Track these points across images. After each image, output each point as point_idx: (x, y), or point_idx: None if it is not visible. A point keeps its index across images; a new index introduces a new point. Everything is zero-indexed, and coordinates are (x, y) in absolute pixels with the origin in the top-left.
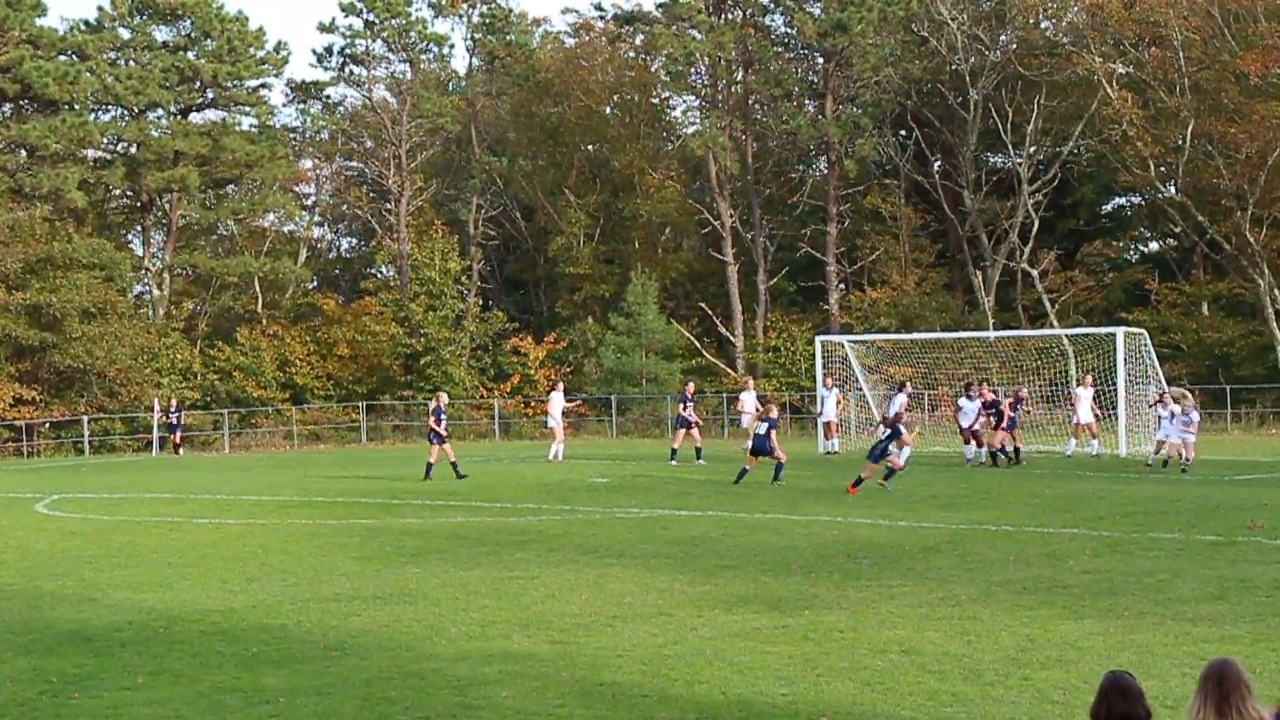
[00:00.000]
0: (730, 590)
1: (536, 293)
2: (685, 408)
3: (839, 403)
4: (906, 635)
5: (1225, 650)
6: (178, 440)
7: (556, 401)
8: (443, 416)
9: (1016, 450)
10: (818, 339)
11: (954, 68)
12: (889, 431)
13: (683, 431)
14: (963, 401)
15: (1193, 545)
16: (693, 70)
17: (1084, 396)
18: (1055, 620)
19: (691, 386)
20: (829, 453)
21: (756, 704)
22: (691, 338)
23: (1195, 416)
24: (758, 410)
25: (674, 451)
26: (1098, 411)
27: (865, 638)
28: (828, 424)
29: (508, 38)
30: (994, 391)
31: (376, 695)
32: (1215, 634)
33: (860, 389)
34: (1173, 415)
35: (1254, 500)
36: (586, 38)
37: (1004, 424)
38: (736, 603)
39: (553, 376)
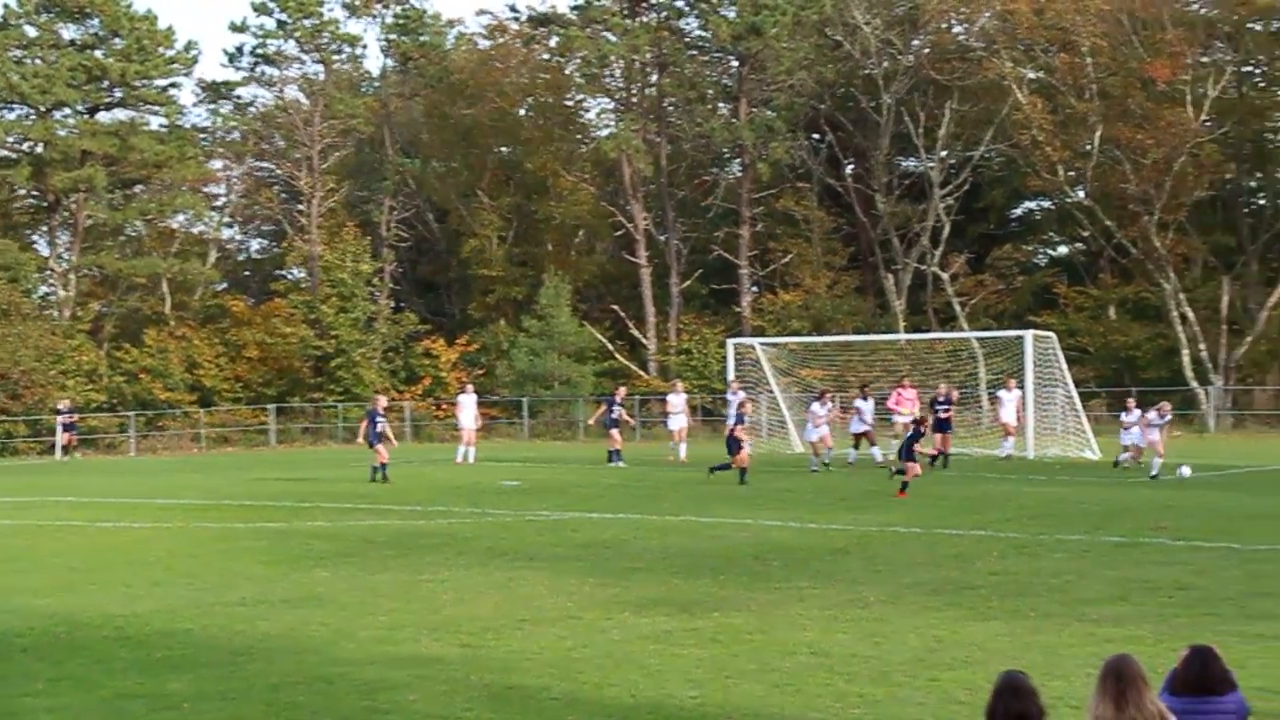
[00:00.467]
0: (640, 593)
1: (449, 295)
2: (611, 410)
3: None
4: (815, 637)
5: (1129, 650)
6: (68, 442)
7: (466, 404)
8: (378, 420)
9: (945, 456)
10: (730, 342)
11: (867, 72)
12: (910, 432)
13: (615, 431)
14: (859, 403)
15: (1098, 546)
16: (607, 73)
17: (1007, 400)
18: (962, 621)
19: (623, 391)
20: None
21: (666, 706)
22: (604, 340)
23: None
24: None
25: (614, 453)
26: (1022, 416)
27: (774, 640)
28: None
29: (421, 39)
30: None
31: (283, 700)
32: (1119, 634)
33: (772, 391)
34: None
35: (1159, 502)
36: (501, 39)
37: (936, 427)
38: (646, 605)
39: (463, 379)
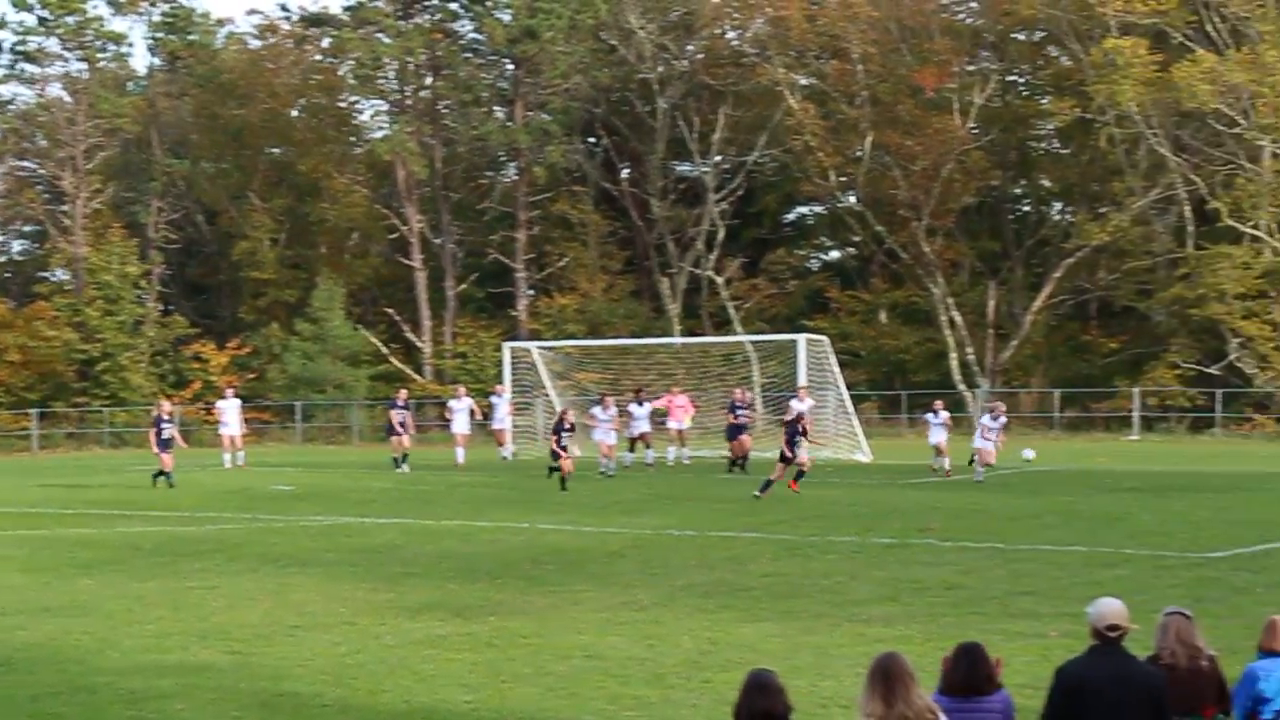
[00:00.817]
0: (414, 598)
1: (219, 298)
2: (397, 411)
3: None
4: (590, 640)
5: (897, 649)
6: None
7: (228, 409)
8: (164, 425)
9: (744, 460)
10: (506, 345)
11: (642, 76)
12: (790, 431)
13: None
14: (633, 408)
15: (869, 548)
16: (380, 75)
17: (797, 407)
18: (736, 623)
19: (404, 394)
20: (504, 459)
21: (440, 712)
22: (379, 344)
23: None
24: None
25: (398, 461)
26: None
27: (549, 643)
28: (499, 430)
29: (190, 38)
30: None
31: (44, 711)
32: (889, 634)
33: (548, 395)
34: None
35: (928, 503)
36: (272, 40)
37: (730, 434)
38: (420, 610)
39: (235, 383)
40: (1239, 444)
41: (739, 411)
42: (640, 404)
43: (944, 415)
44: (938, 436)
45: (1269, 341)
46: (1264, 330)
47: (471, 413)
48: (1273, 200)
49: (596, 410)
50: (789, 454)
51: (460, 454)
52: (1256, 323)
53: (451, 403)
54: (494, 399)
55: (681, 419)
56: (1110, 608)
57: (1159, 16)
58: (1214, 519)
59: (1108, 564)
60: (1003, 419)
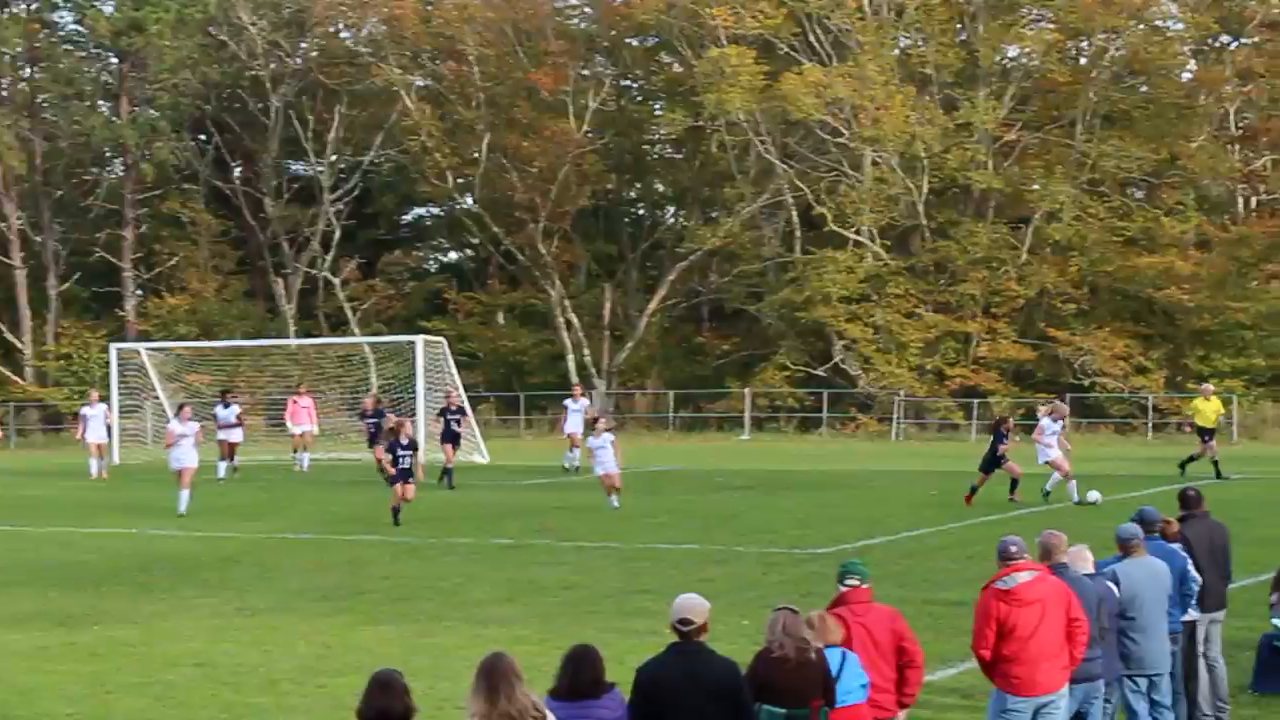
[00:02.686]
0: (13, 608)
1: None
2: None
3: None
4: (201, 648)
5: (514, 649)
6: None
7: None
8: None
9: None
10: (113, 346)
11: (254, 73)
12: (994, 435)
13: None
14: (219, 410)
15: (486, 549)
16: None
17: (573, 409)
18: (353, 627)
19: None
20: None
21: None
22: None
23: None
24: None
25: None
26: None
27: (158, 652)
28: (96, 444)
29: None
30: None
31: None
32: (506, 635)
33: (158, 397)
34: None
35: (545, 504)
36: None
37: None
38: (20, 621)
39: None
40: (844, 443)
41: (450, 417)
42: (227, 406)
43: (584, 402)
44: (573, 426)
45: (871, 344)
46: (866, 333)
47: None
48: (874, 206)
49: (219, 409)
50: None
51: (94, 465)
52: (860, 325)
53: (84, 410)
54: (85, 411)
55: (305, 422)
56: (683, 602)
57: (766, 27)
58: (819, 516)
59: (719, 561)
60: (1062, 422)
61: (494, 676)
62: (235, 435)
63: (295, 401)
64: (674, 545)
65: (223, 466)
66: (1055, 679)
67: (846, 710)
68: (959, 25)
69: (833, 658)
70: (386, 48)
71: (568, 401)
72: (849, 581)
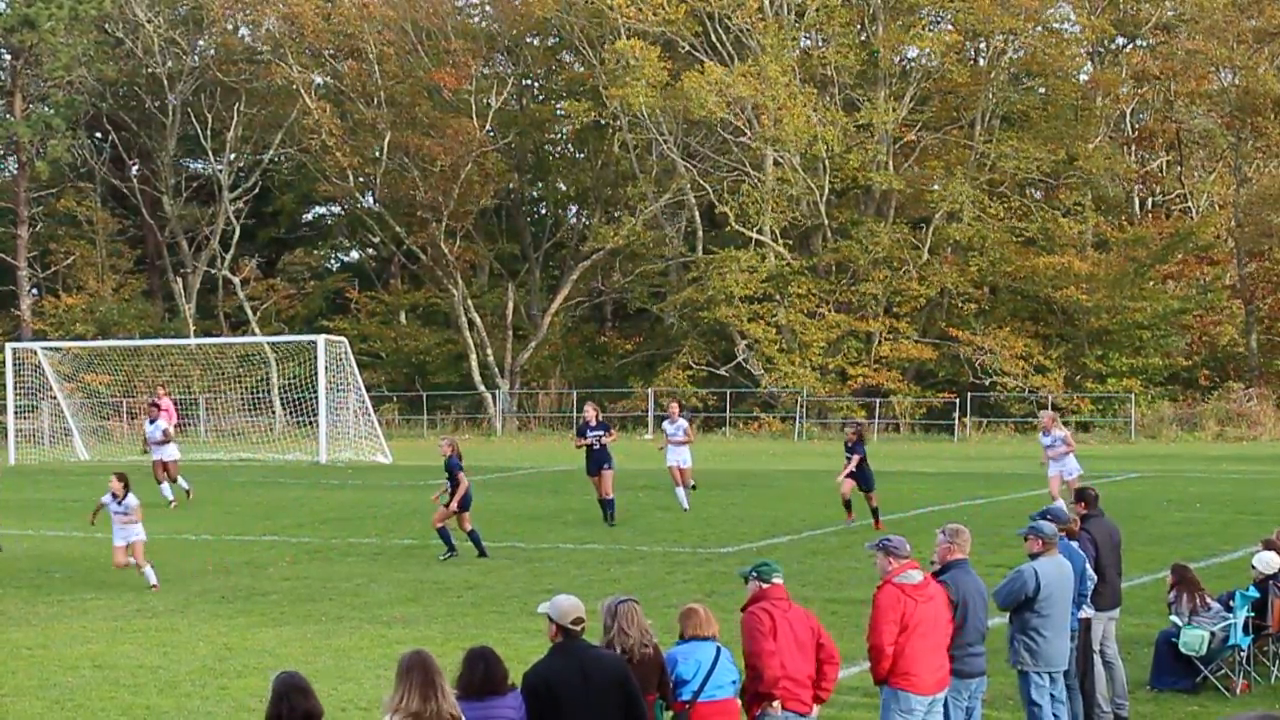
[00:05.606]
0: None
1: None
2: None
3: None
4: (100, 650)
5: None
6: None
7: None
8: None
9: None
10: (9, 346)
11: (151, 71)
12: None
13: None
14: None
15: (389, 550)
16: None
17: (671, 431)
18: (254, 628)
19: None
20: None
21: None
22: None
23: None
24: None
25: None
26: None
27: (55, 654)
28: None
29: None
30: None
31: None
32: (410, 635)
33: (55, 397)
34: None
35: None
36: None
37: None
38: None
39: None
40: (748, 442)
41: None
42: (152, 421)
43: (682, 423)
44: (677, 458)
45: (773, 343)
46: (769, 332)
47: None
48: (775, 206)
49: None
50: None
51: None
52: (762, 325)
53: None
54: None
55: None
56: (569, 602)
57: (667, 25)
58: (723, 515)
59: (623, 560)
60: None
61: (429, 672)
62: (168, 453)
63: (156, 403)
64: (578, 545)
65: (166, 489)
66: (945, 678)
67: (716, 705)
68: (859, 27)
69: (708, 651)
70: (285, 45)
71: (665, 424)
72: (773, 579)
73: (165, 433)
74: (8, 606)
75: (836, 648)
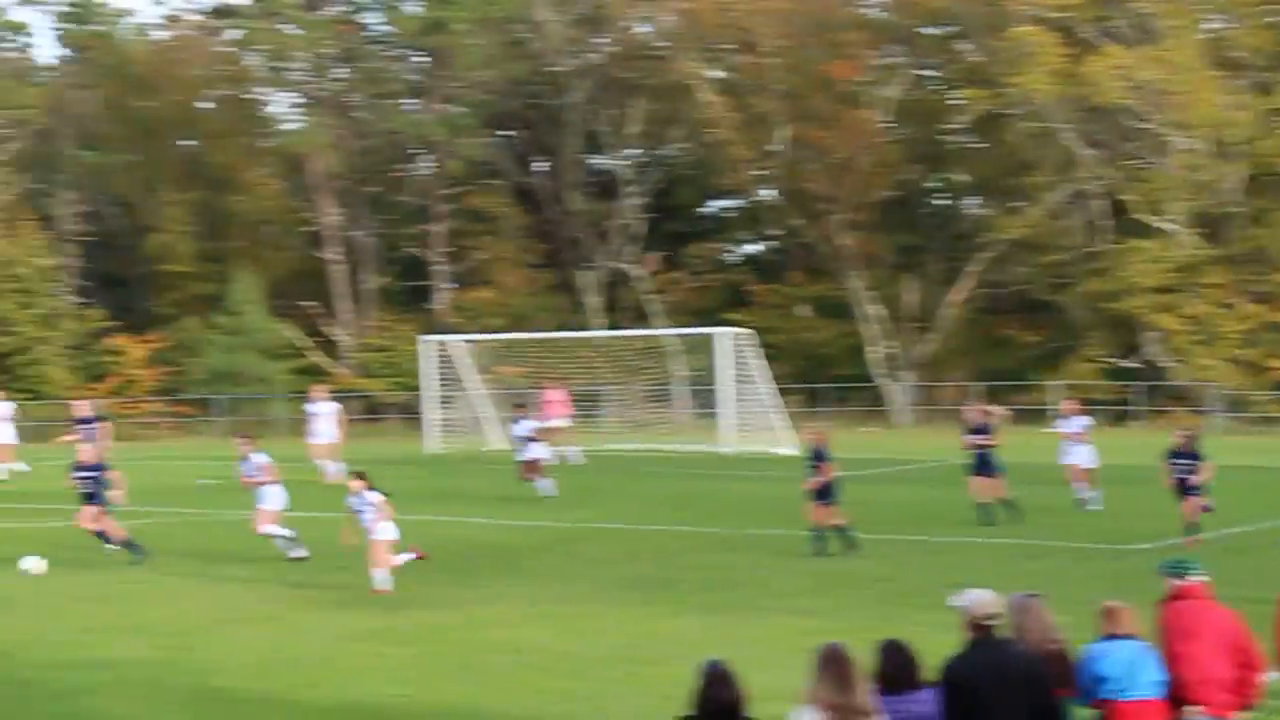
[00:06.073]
0: (343, 593)
1: (136, 290)
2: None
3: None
4: (518, 634)
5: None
6: None
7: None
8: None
9: None
10: (424, 339)
11: (554, 69)
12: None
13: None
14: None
15: (794, 541)
16: (289, 66)
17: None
18: (663, 616)
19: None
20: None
21: (369, 706)
22: (296, 338)
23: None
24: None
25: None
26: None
27: (477, 637)
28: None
29: (95, 28)
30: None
31: None
32: (821, 626)
33: (469, 389)
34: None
35: (854, 496)
36: (180, 31)
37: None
38: (348, 605)
39: (160, 376)
40: (1158, 436)
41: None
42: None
43: (1084, 420)
44: (1080, 455)
45: (1185, 335)
46: (1180, 324)
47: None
48: (1184, 193)
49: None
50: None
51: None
52: (1171, 316)
53: (311, 406)
54: (309, 407)
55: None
56: (986, 596)
57: (1066, 10)
58: (1132, 511)
59: (1032, 555)
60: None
61: (846, 665)
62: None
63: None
64: (985, 540)
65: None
66: None
67: (1139, 704)
68: (1271, 7)
69: (1130, 649)
70: (683, 41)
71: (1059, 422)
72: (1190, 577)
73: (537, 431)
74: (434, 591)
75: (1260, 650)
